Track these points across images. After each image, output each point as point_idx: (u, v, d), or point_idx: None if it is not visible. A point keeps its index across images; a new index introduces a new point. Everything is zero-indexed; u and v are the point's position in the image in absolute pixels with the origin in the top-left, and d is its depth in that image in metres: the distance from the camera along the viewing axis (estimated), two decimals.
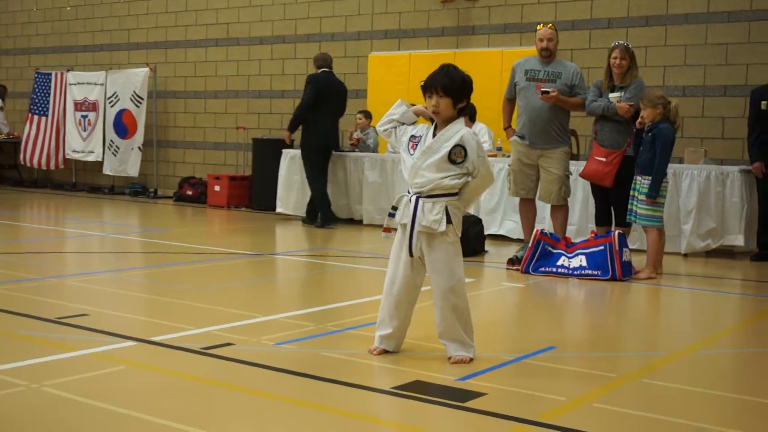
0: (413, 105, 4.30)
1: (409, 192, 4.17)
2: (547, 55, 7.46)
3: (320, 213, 10.42)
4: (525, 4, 10.93)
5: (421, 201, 4.08)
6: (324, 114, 10.50)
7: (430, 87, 4.14)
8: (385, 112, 4.33)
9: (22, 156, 15.58)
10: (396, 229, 4.26)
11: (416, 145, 4.15)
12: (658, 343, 5.05)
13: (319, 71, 10.67)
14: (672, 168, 7.19)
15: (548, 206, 7.78)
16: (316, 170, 10.51)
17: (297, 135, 10.75)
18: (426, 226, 4.07)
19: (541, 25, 7.59)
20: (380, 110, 10.92)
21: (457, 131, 4.11)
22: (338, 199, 10.81)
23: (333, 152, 10.81)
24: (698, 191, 8.50)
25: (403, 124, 4.26)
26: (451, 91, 4.10)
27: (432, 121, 4.22)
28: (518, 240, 8.69)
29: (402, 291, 4.20)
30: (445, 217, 4.07)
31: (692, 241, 8.50)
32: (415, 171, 4.10)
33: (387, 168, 10.36)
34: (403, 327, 4.27)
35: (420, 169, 4.09)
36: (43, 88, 15.39)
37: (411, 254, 4.14)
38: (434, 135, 4.13)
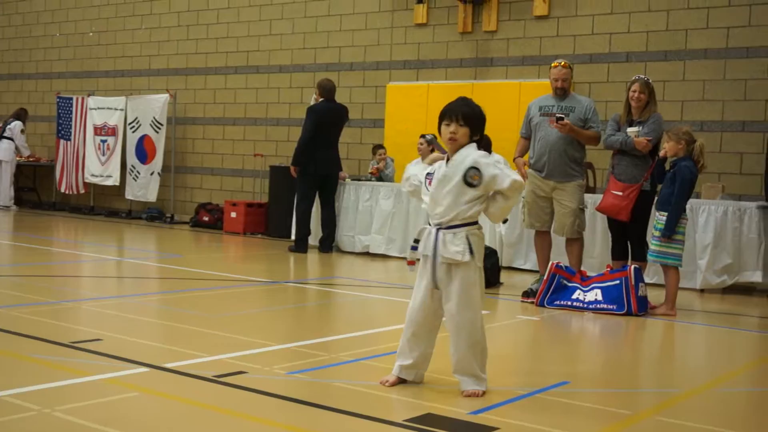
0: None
1: (429, 224, 4.20)
2: (562, 93, 7.53)
3: (295, 236, 10.58)
4: (543, 37, 10.97)
5: (441, 233, 4.09)
6: (324, 143, 10.56)
7: (450, 114, 4.19)
8: (402, 141, 4.35)
9: (57, 181, 15.68)
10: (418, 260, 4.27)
11: (432, 180, 4.18)
12: (674, 380, 5.01)
13: (320, 100, 10.76)
14: (689, 203, 7.17)
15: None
16: (307, 198, 10.58)
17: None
18: (448, 257, 4.07)
19: (556, 62, 7.61)
20: (397, 140, 11.13)
21: (468, 155, 4.13)
22: (346, 230, 10.83)
23: (345, 181, 10.87)
24: (715, 227, 8.47)
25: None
26: (470, 121, 4.16)
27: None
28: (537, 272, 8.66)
29: (421, 321, 4.20)
30: (467, 248, 4.07)
31: (708, 277, 8.45)
32: (434, 202, 4.13)
33: (403, 198, 10.31)
34: (424, 358, 4.25)
35: (439, 198, 4.11)
36: (66, 112, 15.55)
37: (436, 286, 4.14)
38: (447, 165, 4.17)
